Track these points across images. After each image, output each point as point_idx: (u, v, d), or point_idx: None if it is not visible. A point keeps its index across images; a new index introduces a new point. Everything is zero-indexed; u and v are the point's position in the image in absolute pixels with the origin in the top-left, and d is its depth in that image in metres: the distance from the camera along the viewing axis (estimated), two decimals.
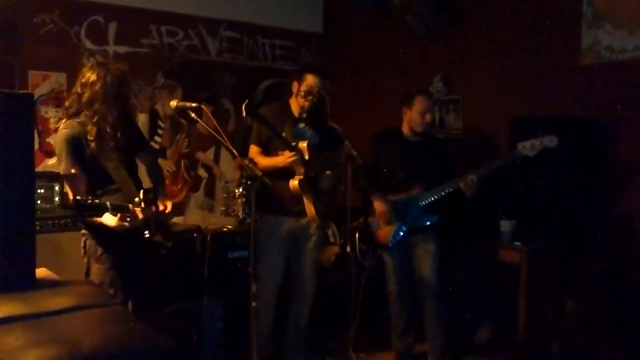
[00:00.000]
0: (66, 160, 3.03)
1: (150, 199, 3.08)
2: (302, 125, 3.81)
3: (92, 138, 3.02)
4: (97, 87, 3.03)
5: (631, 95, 3.98)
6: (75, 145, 3.03)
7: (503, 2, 4.82)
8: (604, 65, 4.16)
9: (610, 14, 4.12)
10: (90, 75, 3.07)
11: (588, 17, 4.24)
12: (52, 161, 4.69)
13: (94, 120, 3.02)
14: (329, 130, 3.68)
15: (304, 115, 3.73)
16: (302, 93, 3.74)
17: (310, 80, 3.76)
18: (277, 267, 3.90)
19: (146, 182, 3.40)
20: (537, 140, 3.66)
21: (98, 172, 3.07)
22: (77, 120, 3.07)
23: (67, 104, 3.16)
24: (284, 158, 3.67)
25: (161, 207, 3.21)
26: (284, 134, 3.70)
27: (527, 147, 3.67)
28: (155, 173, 3.52)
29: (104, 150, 3.04)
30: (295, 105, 3.87)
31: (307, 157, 3.72)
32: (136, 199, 2.99)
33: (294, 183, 3.70)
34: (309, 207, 3.78)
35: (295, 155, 3.64)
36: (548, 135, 3.65)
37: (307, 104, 3.71)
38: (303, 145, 3.73)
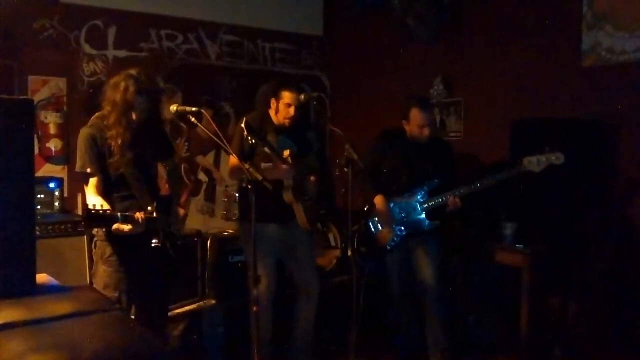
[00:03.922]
0: (82, 158, 3.03)
1: (164, 208, 3.07)
2: (283, 135, 3.91)
3: (112, 142, 3.01)
4: (118, 96, 2.99)
5: (632, 96, 3.98)
6: (94, 145, 3.02)
7: (503, 5, 4.82)
8: (605, 67, 4.16)
9: (610, 15, 4.12)
10: (115, 82, 3.04)
11: (588, 19, 4.24)
12: None
13: (116, 125, 3.00)
14: (302, 137, 3.89)
15: (288, 126, 3.85)
16: (283, 108, 3.85)
17: (286, 97, 3.84)
18: (267, 273, 3.88)
19: (164, 189, 3.42)
20: (543, 156, 3.67)
21: (115, 175, 3.06)
22: (103, 121, 3.05)
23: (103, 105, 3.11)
24: (279, 170, 3.71)
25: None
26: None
27: (533, 163, 3.68)
28: (175, 183, 3.50)
29: (123, 155, 3.03)
30: (275, 115, 3.93)
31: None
32: (149, 208, 2.99)
33: (288, 195, 3.75)
34: (300, 215, 3.83)
35: (289, 167, 3.71)
36: (555, 152, 3.66)
37: (289, 117, 3.83)
38: (287, 154, 3.81)
